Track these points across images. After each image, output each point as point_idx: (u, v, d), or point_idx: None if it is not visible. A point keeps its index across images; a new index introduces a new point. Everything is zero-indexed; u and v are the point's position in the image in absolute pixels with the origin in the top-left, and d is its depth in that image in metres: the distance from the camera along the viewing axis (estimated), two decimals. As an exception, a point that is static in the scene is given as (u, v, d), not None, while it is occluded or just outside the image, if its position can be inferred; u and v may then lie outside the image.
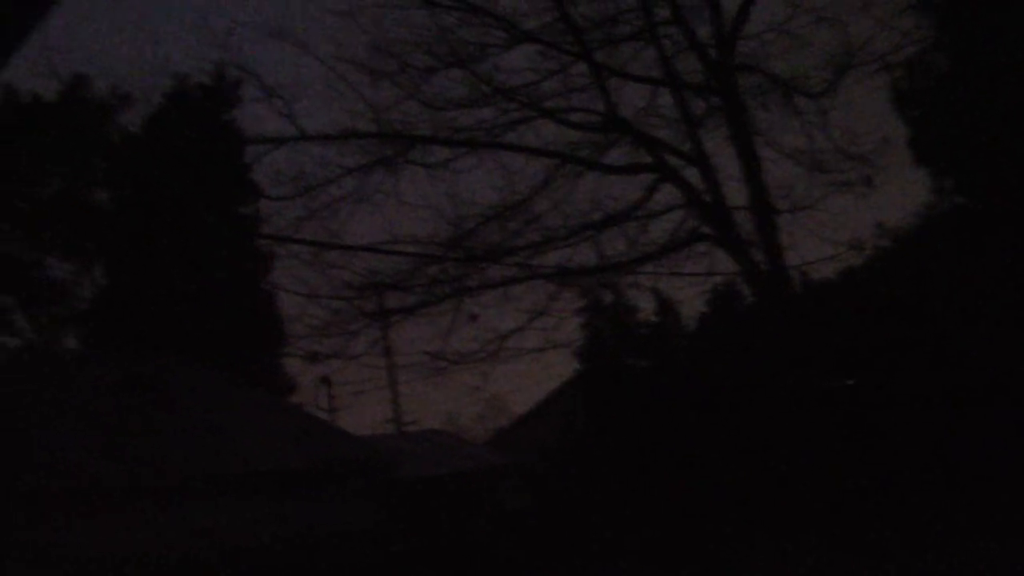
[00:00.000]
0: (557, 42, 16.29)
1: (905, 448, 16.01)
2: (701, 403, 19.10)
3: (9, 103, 26.96)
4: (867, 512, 14.57)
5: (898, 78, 17.70)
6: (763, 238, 15.63)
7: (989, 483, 14.61)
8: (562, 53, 16.37)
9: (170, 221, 24.92)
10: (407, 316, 16.09)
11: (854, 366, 17.32)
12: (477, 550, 19.28)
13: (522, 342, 15.99)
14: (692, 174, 16.16)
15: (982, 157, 16.59)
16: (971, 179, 17.17)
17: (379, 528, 19.43)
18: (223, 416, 20.05)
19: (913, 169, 18.30)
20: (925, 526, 14.00)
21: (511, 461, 29.16)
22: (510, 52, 16.56)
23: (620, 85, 16.58)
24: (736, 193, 15.96)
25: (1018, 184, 15.82)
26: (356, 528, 18.80)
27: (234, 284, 26.15)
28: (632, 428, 20.73)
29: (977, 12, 16.53)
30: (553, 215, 16.34)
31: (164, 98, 27.17)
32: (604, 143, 16.62)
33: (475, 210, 16.13)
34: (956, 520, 13.79)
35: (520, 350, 16.07)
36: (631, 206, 16.30)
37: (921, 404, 16.21)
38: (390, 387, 32.18)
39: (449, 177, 16.26)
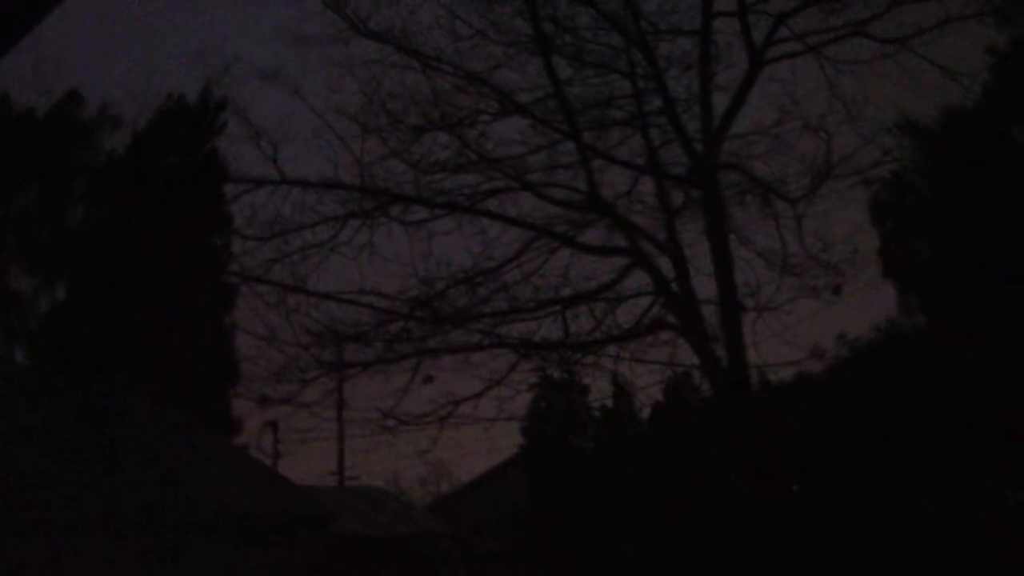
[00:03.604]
0: (548, 119, 16.51)
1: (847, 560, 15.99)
2: (650, 493, 19.00)
3: (1, 114, 26.92)
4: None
5: (878, 191, 18.11)
6: (727, 334, 15.72)
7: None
8: (552, 130, 16.58)
9: (140, 245, 24.71)
10: (364, 370, 15.93)
11: (804, 472, 17.35)
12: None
13: (476, 410, 15.89)
14: (664, 263, 16.31)
15: (949, 279, 16.94)
16: (936, 298, 17.50)
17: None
18: (170, 452, 19.68)
19: (881, 282, 18.64)
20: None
21: (450, 530, 28.77)
22: (501, 122, 16.78)
23: (604, 167, 16.79)
24: (705, 287, 16.11)
25: (979, 308, 16.12)
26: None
27: (195, 316, 25.87)
28: (576, 511, 20.54)
29: (959, 141, 17.03)
30: (523, 286, 16.37)
31: (152, 123, 27.16)
32: (581, 221, 16.75)
33: (446, 272, 16.13)
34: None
35: (472, 418, 15.96)
36: (601, 287, 16.37)
37: (867, 519, 16.25)
38: (337, 440, 31.75)
39: (425, 237, 16.24)
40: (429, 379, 16.00)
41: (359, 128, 15.86)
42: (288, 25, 15.95)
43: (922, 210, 18.22)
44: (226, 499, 19.23)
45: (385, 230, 16.16)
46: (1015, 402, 15.53)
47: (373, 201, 15.92)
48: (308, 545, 19.77)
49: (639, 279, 16.39)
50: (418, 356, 15.83)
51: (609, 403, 22.26)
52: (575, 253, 16.67)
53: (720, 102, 16.36)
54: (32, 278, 27.40)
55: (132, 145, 27.75)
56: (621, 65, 16.53)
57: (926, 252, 18.45)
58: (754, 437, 15.64)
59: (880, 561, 16.17)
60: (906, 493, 16.40)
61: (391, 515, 28.95)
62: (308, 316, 15.66)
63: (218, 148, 26.64)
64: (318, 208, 15.88)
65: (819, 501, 17.28)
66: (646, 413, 22.12)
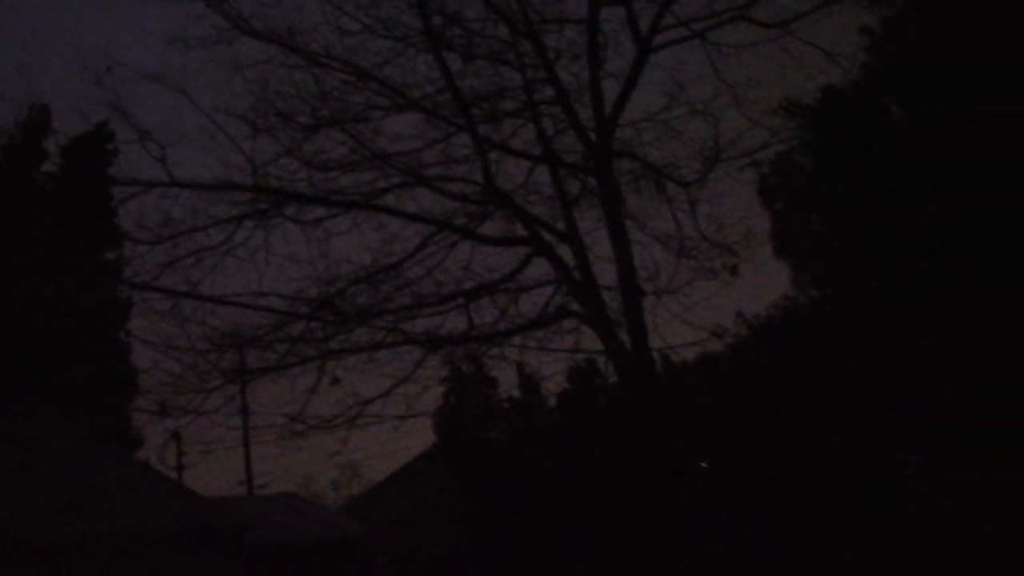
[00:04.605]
0: (441, 113, 16.47)
1: (758, 528, 16.45)
2: (562, 478, 19.20)
3: None
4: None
5: (765, 173, 18.62)
6: (629, 319, 15.93)
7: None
8: (445, 123, 16.55)
9: (23, 261, 23.79)
10: (266, 375, 15.65)
11: (711, 449, 17.75)
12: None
13: (384, 408, 15.76)
14: (565, 251, 16.44)
15: (837, 254, 17.53)
16: (826, 274, 18.10)
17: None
18: (68, 470, 19.07)
19: (774, 260, 19.18)
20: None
21: (365, 530, 28.57)
22: (394, 117, 16.67)
23: (500, 158, 16.83)
24: (606, 273, 16.30)
25: (868, 282, 16.73)
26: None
27: (88, 331, 25.04)
28: (493, 501, 20.65)
29: (840, 119, 17.59)
30: (425, 281, 16.32)
31: (25, 132, 26.11)
32: (481, 214, 16.77)
33: (347, 270, 15.96)
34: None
35: (382, 416, 15.83)
36: (503, 278, 16.42)
37: (774, 488, 16.73)
38: (244, 447, 31.17)
39: (323, 236, 16.04)
40: (336, 381, 15.82)
41: (249, 128, 15.56)
42: (172, 26, 15.51)
43: (809, 188, 18.80)
44: (130, 517, 18.71)
45: (281, 231, 15.93)
46: (905, 370, 16.16)
47: (267, 201, 15.66)
48: (219, 558, 19.36)
49: (541, 268, 16.51)
50: (322, 357, 15.63)
51: (517, 394, 22.44)
52: (476, 245, 16.69)
53: (611, 90, 16.58)
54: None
55: (8, 156, 26.69)
56: (511, 57, 16.58)
57: (815, 229, 19.02)
58: (661, 418, 15.90)
59: (789, 529, 16.67)
60: (808, 462, 16.92)
61: (304, 520, 28.59)
62: (205, 322, 15.32)
63: (104, 159, 25.77)
64: (210, 211, 15.55)
65: (727, 476, 17.72)
66: (554, 401, 22.37)
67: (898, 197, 15.84)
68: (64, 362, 24.42)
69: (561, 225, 16.59)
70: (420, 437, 25.76)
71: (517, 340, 16.80)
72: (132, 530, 18.13)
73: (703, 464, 18.39)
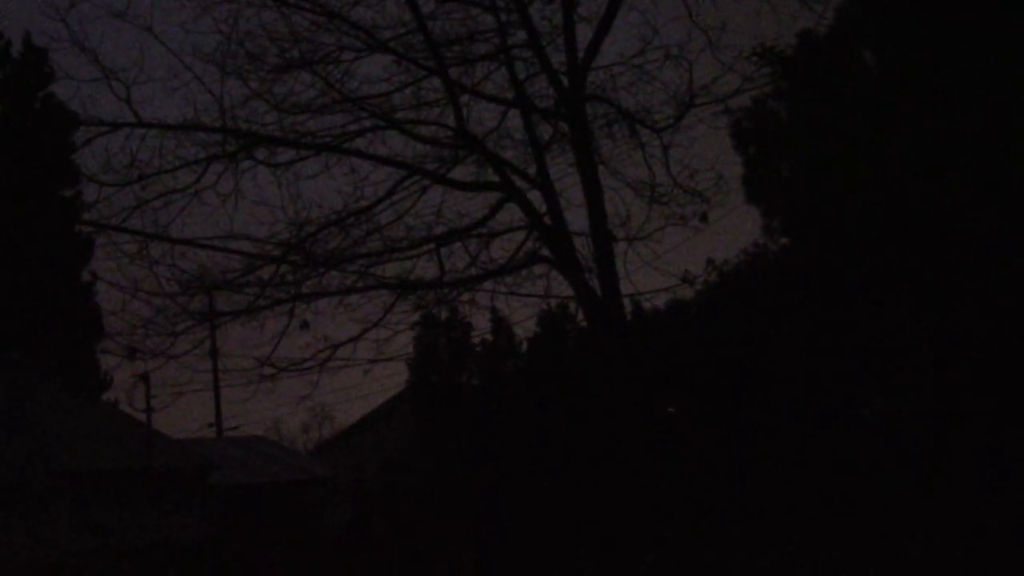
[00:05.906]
0: (412, 55, 16.23)
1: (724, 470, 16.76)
2: (532, 422, 19.39)
3: None
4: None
5: (739, 118, 18.57)
6: (600, 265, 15.95)
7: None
8: (416, 66, 16.33)
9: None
10: (236, 318, 15.57)
11: (679, 395, 17.98)
12: (298, 565, 18.82)
13: (354, 353, 15.76)
14: (536, 197, 16.37)
15: (807, 202, 17.65)
16: (796, 221, 18.24)
17: (198, 537, 18.73)
18: (35, 413, 18.97)
19: (745, 207, 19.27)
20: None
21: (334, 473, 28.77)
22: (365, 59, 16.42)
23: (472, 102, 16.67)
24: (577, 219, 16.28)
25: (837, 231, 16.88)
26: (173, 536, 18.07)
27: (49, 271, 24.70)
28: (462, 446, 20.84)
29: (814, 65, 17.58)
30: (396, 226, 16.23)
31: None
32: (452, 158, 16.64)
33: (317, 214, 15.83)
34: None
35: (352, 360, 15.83)
36: (474, 223, 16.36)
37: (742, 432, 17.03)
38: (213, 390, 31.12)
39: (293, 179, 15.87)
40: (305, 325, 15.79)
41: (218, 69, 15.27)
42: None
43: (782, 135, 18.81)
44: (96, 458, 18.70)
45: (251, 174, 15.74)
46: (869, 316, 16.42)
47: (236, 143, 15.43)
48: (187, 498, 19.44)
49: (512, 214, 16.45)
50: (292, 301, 15.57)
51: (489, 338, 22.55)
52: (447, 190, 16.58)
53: (584, 34, 16.39)
54: None
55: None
56: (484, -3, 16.32)
57: (787, 176, 19.08)
58: (630, 363, 16.03)
59: (756, 471, 17.01)
60: (775, 405, 17.21)
61: (273, 462, 28.75)
62: (174, 265, 15.17)
63: (54, 94, 25.14)
64: (178, 152, 15.31)
65: (694, 421, 18.00)
66: (525, 347, 22.51)
67: (868, 147, 15.92)
68: (27, 303, 24.17)
69: (533, 171, 16.50)
70: (390, 382, 25.86)
71: (488, 285, 16.80)
72: (98, 471, 18.13)
73: (670, 410, 18.64)
